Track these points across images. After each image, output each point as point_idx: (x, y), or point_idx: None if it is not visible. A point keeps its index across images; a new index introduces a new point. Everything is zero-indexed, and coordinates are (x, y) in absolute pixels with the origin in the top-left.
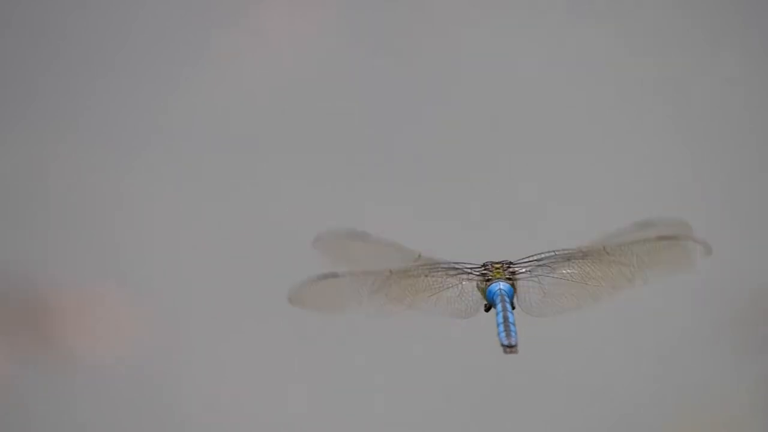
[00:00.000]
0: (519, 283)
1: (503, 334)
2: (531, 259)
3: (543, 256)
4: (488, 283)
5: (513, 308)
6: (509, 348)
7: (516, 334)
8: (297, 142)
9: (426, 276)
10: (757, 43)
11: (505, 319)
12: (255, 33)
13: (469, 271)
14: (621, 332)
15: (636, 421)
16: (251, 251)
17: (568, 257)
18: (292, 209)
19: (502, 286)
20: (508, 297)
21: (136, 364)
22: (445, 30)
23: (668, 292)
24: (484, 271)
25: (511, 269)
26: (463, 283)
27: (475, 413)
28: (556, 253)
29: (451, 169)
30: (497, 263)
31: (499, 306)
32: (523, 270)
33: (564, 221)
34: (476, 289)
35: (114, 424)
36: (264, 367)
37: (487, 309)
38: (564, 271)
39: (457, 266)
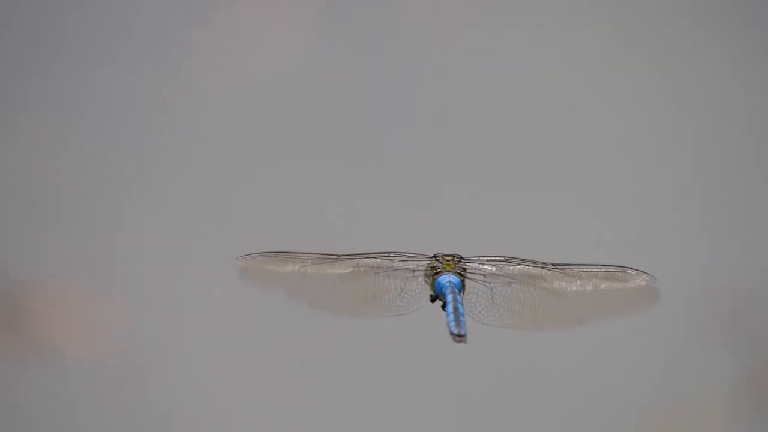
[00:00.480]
0: (470, 285)
1: (453, 324)
2: (481, 257)
3: (494, 258)
4: (438, 275)
5: (460, 295)
6: (459, 337)
7: (465, 324)
8: (281, 140)
9: (373, 267)
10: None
11: (455, 309)
12: (240, 32)
13: (418, 262)
14: (597, 329)
15: (612, 416)
16: (235, 248)
17: (515, 263)
18: (274, 205)
19: (452, 278)
20: (458, 289)
21: (119, 361)
22: (429, 25)
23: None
24: (435, 263)
25: (461, 264)
26: (414, 273)
27: (454, 410)
28: (507, 258)
29: (423, 164)
30: (448, 256)
31: (449, 297)
32: (473, 266)
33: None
34: (423, 279)
35: (97, 420)
36: (248, 362)
37: (433, 300)
38: (517, 287)
39: (408, 257)
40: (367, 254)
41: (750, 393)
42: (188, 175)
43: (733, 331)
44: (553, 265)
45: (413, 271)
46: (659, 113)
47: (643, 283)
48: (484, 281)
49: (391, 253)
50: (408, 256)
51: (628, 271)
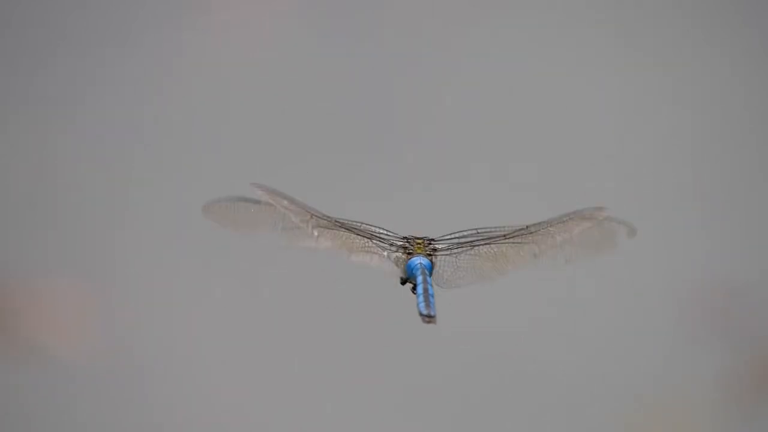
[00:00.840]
0: (437, 260)
1: (423, 305)
2: (452, 237)
3: (465, 234)
4: (409, 257)
5: (430, 277)
6: (428, 318)
7: (435, 305)
8: (277, 136)
9: (346, 231)
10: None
11: (425, 290)
12: (239, 30)
13: (391, 242)
14: (577, 324)
15: (591, 412)
16: (219, 243)
17: (489, 237)
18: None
19: (423, 260)
20: (428, 271)
21: (102, 358)
22: (422, 19)
23: (624, 284)
24: (406, 245)
25: (432, 246)
26: (385, 253)
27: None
28: (479, 231)
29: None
30: (419, 239)
31: (420, 278)
32: (444, 246)
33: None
34: (392, 260)
35: (82, 418)
36: (234, 358)
37: (403, 282)
38: (482, 250)
39: (380, 234)
40: (342, 223)
41: (742, 389)
42: (169, 168)
43: (726, 327)
44: (526, 227)
45: (385, 252)
46: (656, 110)
47: (605, 218)
48: (449, 254)
49: (363, 224)
50: (380, 233)
51: (587, 212)
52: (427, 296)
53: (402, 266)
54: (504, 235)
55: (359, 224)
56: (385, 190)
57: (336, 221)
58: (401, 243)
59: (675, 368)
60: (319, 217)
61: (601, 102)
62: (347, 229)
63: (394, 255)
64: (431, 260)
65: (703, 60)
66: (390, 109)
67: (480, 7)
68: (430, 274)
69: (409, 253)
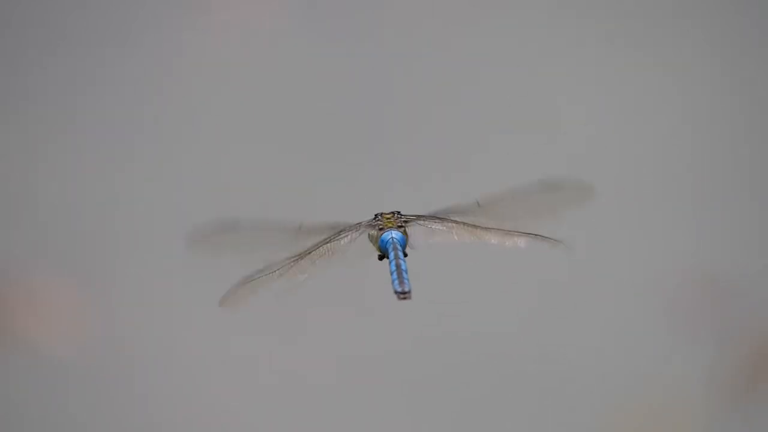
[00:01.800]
0: (410, 230)
1: (396, 282)
2: (419, 214)
3: (426, 213)
4: (381, 233)
5: (405, 255)
6: (402, 294)
7: (408, 281)
8: (264, 131)
9: (318, 248)
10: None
11: (398, 267)
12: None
13: (360, 224)
14: (563, 317)
15: (578, 406)
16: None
17: (445, 216)
18: (254, 196)
19: (394, 234)
20: (401, 245)
21: (93, 355)
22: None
23: (612, 277)
24: (376, 222)
25: (402, 218)
26: (360, 236)
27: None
28: (437, 215)
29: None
30: (387, 214)
31: (392, 254)
32: (413, 216)
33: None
34: (369, 240)
35: (72, 415)
36: (225, 356)
37: (381, 258)
38: (448, 224)
39: (349, 226)
40: (317, 245)
41: (729, 383)
42: (161, 163)
43: (713, 320)
44: (477, 204)
45: (358, 235)
46: (653, 104)
47: (572, 186)
48: (419, 222)
49: (340, 229)
50: (348, 225)
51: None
52: (400, 272)
53: (376, 244)
54: (459, 212)
55: (328, 229)
56: (384, 185)
57: (305, 252)
58: (370, 222)
59: (662, 361)
60: (293, 259)
61: (600, 98)
62: (317, 246)
63: (369, 234)
64: (403, 232)
65: (701, 57)
66: (390, 108)
67: (480, 7)
68: (405, 246)
69: (380, 229)
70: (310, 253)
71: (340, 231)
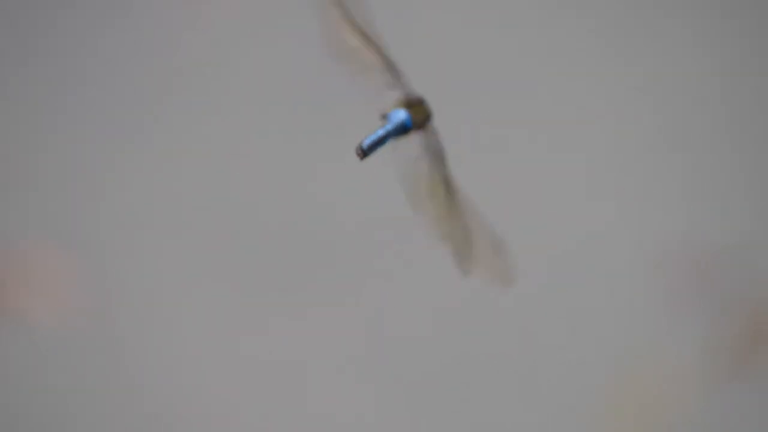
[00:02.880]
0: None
1: (366, 137)
2: None
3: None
4: (399, 107)
5: (386, 139)
6: (360, 149)
7: (373, 146)
8: (251, 102)
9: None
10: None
11: (381, 134)
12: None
13: (407, 86)
14: (558, 293)
15: (572, 383)
16: (201, 216)
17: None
18: (249, 169)
19: (404, 116)
20: (403, 126)
21: (82, 328)
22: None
23: (606, 250)
24: (411, 99)
25: (430, 121)
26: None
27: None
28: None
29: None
30: (428, 108)
31: (386, 127)
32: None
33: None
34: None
35: (61, 389)
36: (215, 329)
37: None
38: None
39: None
40: (372, 39)
41: (722, 359)
42: (161, 136)
43: (706, 294)
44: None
45: (383, 82)
46: (649, 84)
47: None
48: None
49: (396, 68)
50: (401, 78)
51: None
52: (377, 136)
53: (394, 107)
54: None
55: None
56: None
57: (365, 32)
58: (414, 97)
59: (655, 335)
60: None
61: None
62: (369, 41)
63: (392, 94)
64: (419, 127)
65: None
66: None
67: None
68: (400, 131)
69: (408, 107)
70: (365, 36)
71: (395, 67)
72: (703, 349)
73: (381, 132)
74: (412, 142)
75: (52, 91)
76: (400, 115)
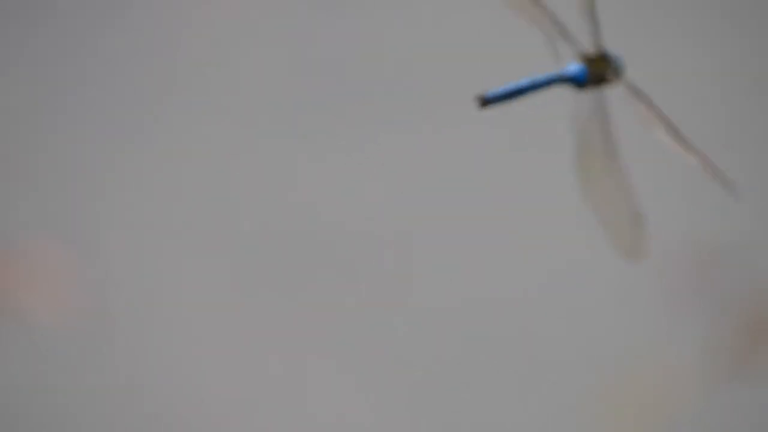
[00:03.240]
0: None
1: (497, 89)
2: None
3: None
4: (577, 62)
5: (547, 84)
6: (481, 99)
7: (501, 95)
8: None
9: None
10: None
11: (524, 84)
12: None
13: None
14: (558, 293)
15: (572, 382)
16: (201, 216)
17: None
18: (247, 171)
19: (578, 69)
20: (574, 77)
21: (80, 326)
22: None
23: (606, 250)
24: (595, 54)
25: (612, 78)
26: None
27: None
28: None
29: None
30: (610, 62)
31: (542, 77)
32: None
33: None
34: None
35: (61, 389)
36: (215, 329)
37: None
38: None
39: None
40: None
41: (723, 359)
42: (160, 133)
43: (706, 294)
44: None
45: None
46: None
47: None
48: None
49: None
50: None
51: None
52: (509, 88)
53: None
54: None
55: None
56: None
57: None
58: (591, 50)
59: (655, 335)
60: None
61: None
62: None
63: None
64: (596, 81)
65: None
66: (390, 106)
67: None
68: (579, 86)
69: (586, 60)
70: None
71: (560, 25)
72: (703, 349)
73: (513, 85)
74: (585, 98)
75: (52, 91)
76: (572, 68)
